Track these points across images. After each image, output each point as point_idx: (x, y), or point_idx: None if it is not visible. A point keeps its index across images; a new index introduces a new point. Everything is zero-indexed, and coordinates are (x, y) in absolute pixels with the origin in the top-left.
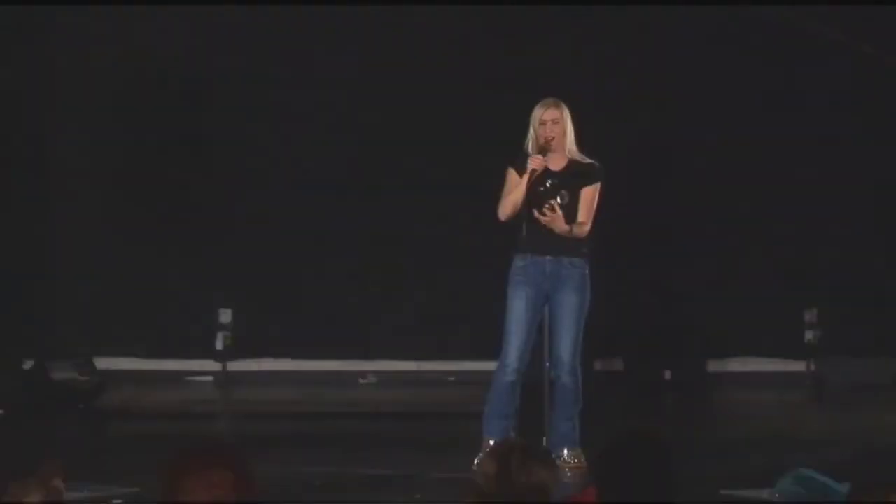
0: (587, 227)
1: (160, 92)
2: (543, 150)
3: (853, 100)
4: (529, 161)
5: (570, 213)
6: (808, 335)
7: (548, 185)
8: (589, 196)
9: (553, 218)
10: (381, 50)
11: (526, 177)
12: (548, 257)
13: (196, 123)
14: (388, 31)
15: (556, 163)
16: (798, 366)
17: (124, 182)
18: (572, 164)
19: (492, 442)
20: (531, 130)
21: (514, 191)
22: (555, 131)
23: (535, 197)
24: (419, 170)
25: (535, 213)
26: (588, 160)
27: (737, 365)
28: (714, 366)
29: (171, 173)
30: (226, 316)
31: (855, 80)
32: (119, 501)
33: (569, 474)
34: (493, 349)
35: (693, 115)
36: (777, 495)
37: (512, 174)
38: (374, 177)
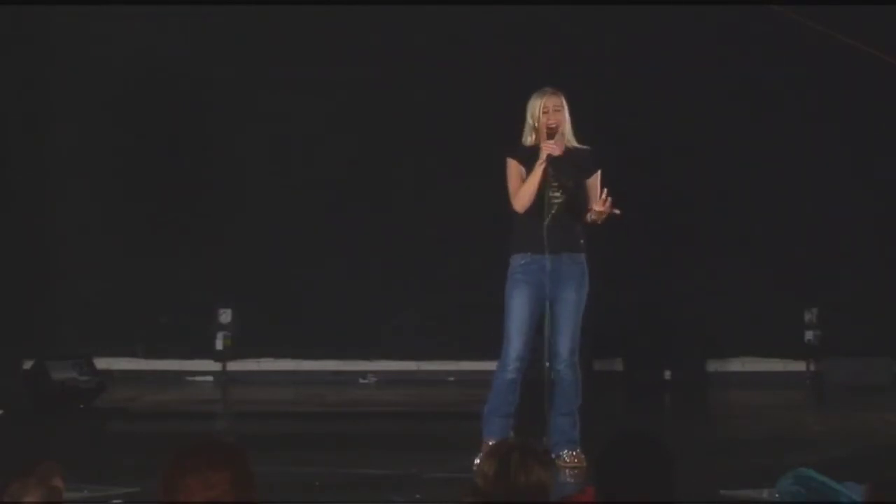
0: (616, 210)
1: (160, 92)
2: (551, 135)
3: (854, 100)
4: (543, 147)
5: (574, 198)
6: (808, 335)
7: (550, 172)
8: (595, 185)
9: (602, 213)
10: (382, 50)
11: (542, 164)
12: (548, 254)
13: (196, 123)
14: (388, 31)
15: (557, 147)
16: (798, 366)
17: (124, 182)
18: (571, 151)
19: (491, 442)
20: (529, 120)
21: (529, 180)
22: (557, 119)
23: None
24: (419, 169)
25: (590, 218)
26: (584, 146)
27: (737, 365)
28: (714, 366)
29: (171, 173)
30: (226, 316)
31: (855, 79)
32: (119, 501)
33: (569, 474)
34: (493, 349)
35: (693, 115)
36: (777, 495)
37: (515, 165)
38: (374, 177)
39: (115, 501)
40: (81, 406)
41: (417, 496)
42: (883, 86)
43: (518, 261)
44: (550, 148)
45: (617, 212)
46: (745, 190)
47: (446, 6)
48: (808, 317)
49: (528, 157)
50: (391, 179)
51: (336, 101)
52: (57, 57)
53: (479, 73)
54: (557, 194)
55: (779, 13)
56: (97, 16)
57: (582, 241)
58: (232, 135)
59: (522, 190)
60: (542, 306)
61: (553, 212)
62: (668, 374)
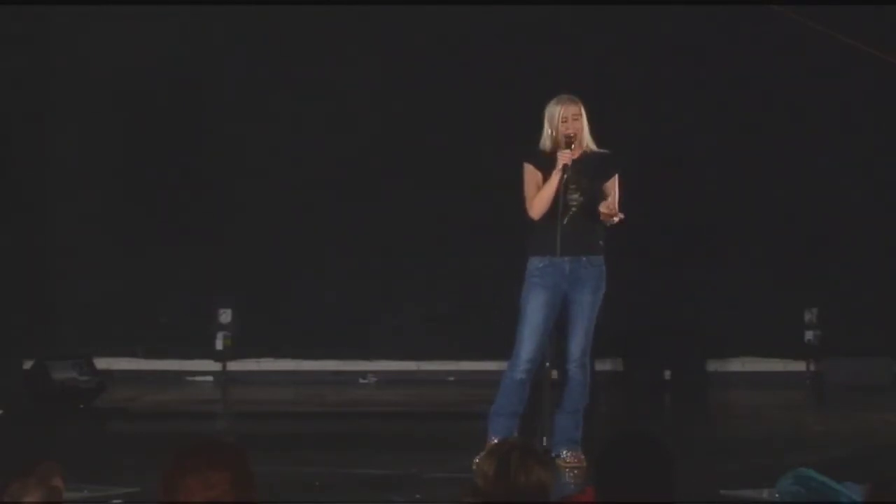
0: (621, 215)
1: (160, 92)
2: (568, 144)
3: (854, 99)
4: (559, 156)
5: (592, 200)
6: (808, 335)
7: (568, 175)
8: (612, 188)
9: (609, 216)
10: (382, 49)
11: (557, 173)
12: (566, 258)
13: (196, 123)
14: (388, 30)
15: (574, 153)
16: (798, 366)
17: (124, 182)
18: (590, 154)
19: (495, 441)
20: (547, 128)
21: (546, 188)
22: (576, 127)
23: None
24: (420, 169)
25: (602, 218)
26: (603, 150)
27: (737, 365)
28: (714, 366)
29: (171, 173)
30: (226, 316)
31: (855, 80)
32: (119, 501)
33: (569, 474)
34: (494, 349)
35: (692, 115)
36: (777, 495)
37: (532, 171)
38: (374, 176)
39: (115, 501)
40: (81, 406)
41: (417, 496)
42: (883, 86)
43: (536, 264)
44: (567, 158)
45: (616, 219)
46: (744, 190)
47: (446, 6)
48: (808, 317)
49: (546, 164)
50: (391, 179)
51: (336, 101)
52: (57, 57)
53: (479, 74)
54: (576, 196)
55: (779, 13)
56: (97, 16)
57: (601, 242)
58: (232, 135)
59: (538, 198)
60: (557, 309)
61: (571, 213)
62: (668, 374)
